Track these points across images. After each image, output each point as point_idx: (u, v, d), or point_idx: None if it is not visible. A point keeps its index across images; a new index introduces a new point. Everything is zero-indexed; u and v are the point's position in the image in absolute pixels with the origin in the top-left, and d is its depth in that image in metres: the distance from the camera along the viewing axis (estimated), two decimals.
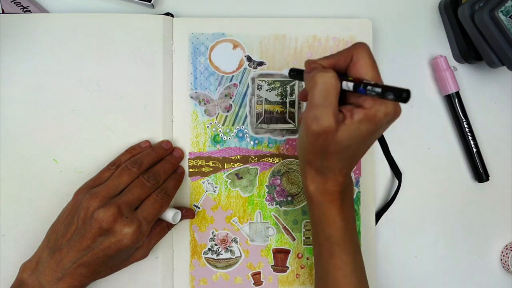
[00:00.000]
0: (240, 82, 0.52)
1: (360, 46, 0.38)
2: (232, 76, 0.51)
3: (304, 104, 0.52)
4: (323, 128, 0.36)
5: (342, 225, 0.42)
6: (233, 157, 0.51)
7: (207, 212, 0.51)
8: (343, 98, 0.39)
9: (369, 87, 0.35)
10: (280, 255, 0.52)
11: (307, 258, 0.52)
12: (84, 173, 0.49)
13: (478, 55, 0.52)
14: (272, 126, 0.52)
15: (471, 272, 0.54)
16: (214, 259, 0.51)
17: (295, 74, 0.44)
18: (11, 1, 0.50)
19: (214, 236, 0.51)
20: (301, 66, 0.52)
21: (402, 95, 0.33)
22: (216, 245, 0.51)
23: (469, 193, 0.55)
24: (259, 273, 0.52)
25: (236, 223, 0.52)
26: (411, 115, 0.54)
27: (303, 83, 0.52)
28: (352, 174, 0.52)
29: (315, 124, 0.37)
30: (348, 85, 0.37)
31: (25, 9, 0.51)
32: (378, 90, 0.35)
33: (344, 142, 0.37)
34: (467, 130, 0.53)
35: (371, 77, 0.37)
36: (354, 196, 0.52)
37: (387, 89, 0.34)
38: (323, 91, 0.36)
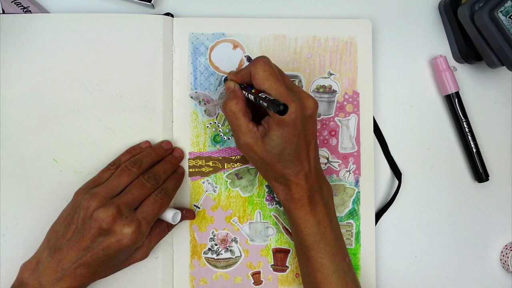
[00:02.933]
0: None
1: (256, 62, 0.42)
2: None
3: None
4: (245, 145, 0.43)
5: (314, 230, 0.44)
6: (233, 157, 0.51)
7: (207, 212, 0.51)
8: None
9: (260, 101, 0.41)
10: (280, 254, 0.52)
11: None
12: (84, 173, 0.49)
13: (478, 55, 0.52)
14: None
15: (471, 272, 0.54)
16: (214, 259, 0.51)
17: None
18: (12, 1, 0.50)
19: (214, 236, 0.51)
20: (300, 66, 0.52)
21: (279, 108, 0.38)
22: (216, 245, 0.51)
23: (469, 193, 0.55)
24: (259, 273, 0.52)
25: (236, 223, 0.52)
26: (411, 115, 0.54)
27: (302, 82, 0.52)
28: (352, 174, 0.52)
29: (239, 145, 0.44)
30: (250, 97, 0.43)
31: (25, 9, 0.51)
32: (264, 104, 0.40)
33: (274, 149, 0.42)
34: (467, 130, 0.53)
35: (267, 88, 0.41)
36: (354, 196, 0.52)
37: (268, 102, 0.39)
38: (230, 118, 0.43)
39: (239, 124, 0.42)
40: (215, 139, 0.51)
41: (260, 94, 0.41)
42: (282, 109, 0.38)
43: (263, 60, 0.42)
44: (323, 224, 0.44)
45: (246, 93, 0.43)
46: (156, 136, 0.50)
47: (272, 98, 0.40)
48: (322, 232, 0.44)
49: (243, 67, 0.50)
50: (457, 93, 0.53)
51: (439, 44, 0.55)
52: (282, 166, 0.43)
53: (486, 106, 0.55)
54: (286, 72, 0.52)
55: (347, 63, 0.52)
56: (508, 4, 0.46)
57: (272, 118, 0.41)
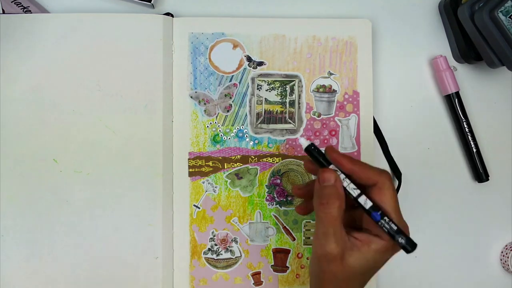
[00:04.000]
0: (240, 82, 0.52)
1: (387, 176, 0.38)
2: (232, 76, 0.52)
3: (304, 105, 0.52)
4: (328, 253, 0.36)
5: None
6: (233, 157, 0.51)
7: (207, 212, 0.51)
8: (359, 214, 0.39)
9: (385, 219, 0.36)
10: (280, 255, 0.52)
11: (307, 258, 0.52)
12: (84, 173, 0.49)
13: (478, 55, 0.52)
14: (272, 126, 0.52)
15: (471, 272, 0.54)
16: (214, 259, 0.51)
17: (313, 155, 0.39)
18: (12, 1, 0.50)
19: (214, 236, 0.51)
20: (300, 66, 0.52)
21: (408, 246, 0.35)
22: (216, 245, 0.51)
23: (469, 193, 0.55)
24: (259, 273, 0.52)
25: (236, 223, 0.52)
26: (411, 115, 0.54)
27: (302, 82, 0.52)
28: None
29: (322, 249, 0.37)
30: (367, 204, 0.37)
31: (25, 9, 0.51)
32: (394, 227, 0.36)
33: (358, 269, 0.37)
34: (467, 130, 0.53)
35: (390, 209, 0.37)
36: None
37: (401, 233, 0.35)
38: (325, 222, 0.37)
39: (333, 231, 0.36)
40: (215, 139, 0.51)
41: (386, 218, 0.36)
42: (410, 249, 0.35)
43: (391, 179, 0.38)
44: None
45: (353, 194, 0.37)
46: (156, 136, 0.50)
47: (404, 232, 0.36)
48: None
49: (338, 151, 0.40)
50: (457, 93, 0.53)
51: (439, 44, 0.55)
52: (352, 285, 0.38)
53: (486, 106, 0.55)
54: (286, 72, 0.52)
55: (347, 63, 0.52)
56: (508, 4, 0.46)
57: (383, 243, 0.37)
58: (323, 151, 0.39)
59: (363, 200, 0.37)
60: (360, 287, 0.39)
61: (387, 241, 0.37)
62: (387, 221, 0.36)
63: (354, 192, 0.37)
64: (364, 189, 0.38)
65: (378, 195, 0.37)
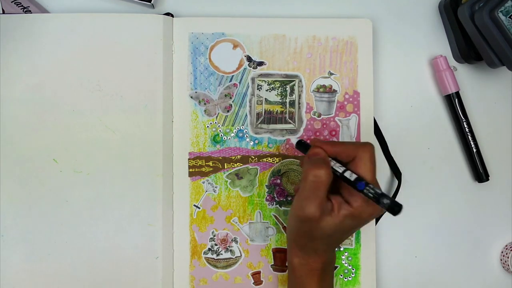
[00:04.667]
0: (240, 82, 0.52)
1: (366, 149, 0.41)
2: (232, 76, 0.52)
3: (304, 105, 0.52)
4: (307, 216, 0.40)
5: None
6: (233, 157, 0.51)
7: (207, 212, 0.51)
8: (337, 184, 0.42)
9: (370, 186, 0.38)
10: (280, 254, 0.52)
11: None
12: (84, 173, 0.49)
13: (478, 55, 0.52)
14: (272, 126, 0.52)
15: (471, 272, 0.54)
16: (214, 259, 0.51)
17: (302, 147, 0.45)
18: (12, 1, 0.50)
19: (214, 236, 0.51)
20: (300, 66, 0.52)
21: (395, 208, 0.37)
22: (216, 245, 0.51)
23: (469, 193, 0.55)
24: (259, 273, 0.52)
25: (236, 223, 0.52)
26: (411, 115, 0.54)
27: (303, 82, 0.52)
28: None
29: (301, 212, 0.41)
30: (352, 176, 0.40)
31: (25, 9, 0.51)
32: (378, 191, 0.38)
33: (328, 231, 0.41)
34: (467, 130, 0.53)
35: (370, 179, 0.40)
36: None
37: (385, 196, 0.37)
38: (312, 186, 0.40)
39: (317, 195, 0.40)
40: (215, 139, 0.51)
41: (370, 186, 0.39)
42: (397, 210, 0.36)
43: (372, 150, 0.41)
44: None
45: (339, 170, 0.41)
46: (156, 136, 0.50)
47: (384, 193, 0.38)
48: None
49: (337, 140, 0.48)
50: (457, 93, 0.53)
51: (439, 44, 0.55)
52: (321, 243, 0.42)
53: (486, 106, 0.55)
54: (286, 72, 0.52)
55: (347, 63, 0.52)
56: (508, 4, 0.46)
57: (351, 209, 0.40)
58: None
59: (349, 174, 0.40)
60: (326, 246, 0.43)
61: (353, 208, 0.40)
62: (371, 187, 0.38)
63: (340, 169, 0.41)
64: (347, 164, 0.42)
65: (356, 167, 0.41)
